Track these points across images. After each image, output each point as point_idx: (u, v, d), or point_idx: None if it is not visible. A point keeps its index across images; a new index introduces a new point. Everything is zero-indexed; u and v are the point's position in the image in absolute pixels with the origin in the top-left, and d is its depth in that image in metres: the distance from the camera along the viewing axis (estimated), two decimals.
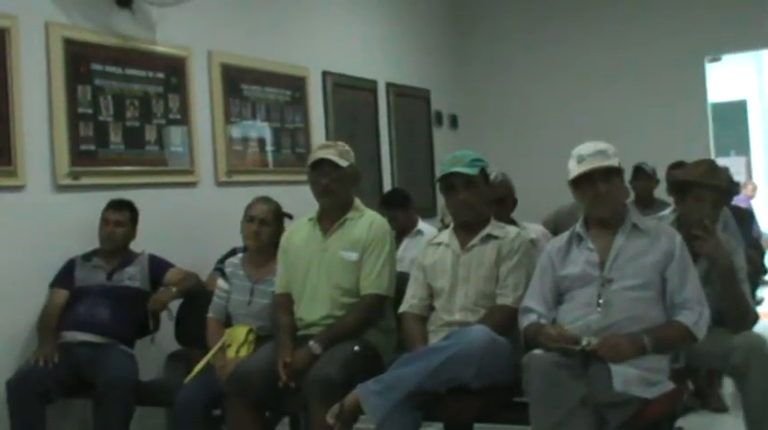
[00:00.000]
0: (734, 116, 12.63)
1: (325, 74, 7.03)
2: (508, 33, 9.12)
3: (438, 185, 3.97)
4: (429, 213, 7.44)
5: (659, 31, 8.51)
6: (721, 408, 5.19)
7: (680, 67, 8.42)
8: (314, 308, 4.06)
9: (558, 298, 3.54)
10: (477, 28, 9.23)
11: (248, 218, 4.49)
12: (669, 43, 8.44)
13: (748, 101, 13.02)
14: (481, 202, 3.90)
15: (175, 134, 5.56)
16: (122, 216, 4.74)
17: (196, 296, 4.78)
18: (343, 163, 4.10)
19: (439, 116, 8.81)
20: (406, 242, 5.68)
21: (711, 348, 3.58)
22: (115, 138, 5.14)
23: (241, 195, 4.92)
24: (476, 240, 3.85)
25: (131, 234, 4.81)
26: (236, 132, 6.06)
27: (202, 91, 5.80)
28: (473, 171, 3.83)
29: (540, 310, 3.51)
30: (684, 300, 3.38)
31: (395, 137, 7.99)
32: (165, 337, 4.87)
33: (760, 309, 6.20)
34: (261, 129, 6.32)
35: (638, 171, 6.63)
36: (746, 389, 3.65)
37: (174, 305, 4.86)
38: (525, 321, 3.52)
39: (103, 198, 4.81)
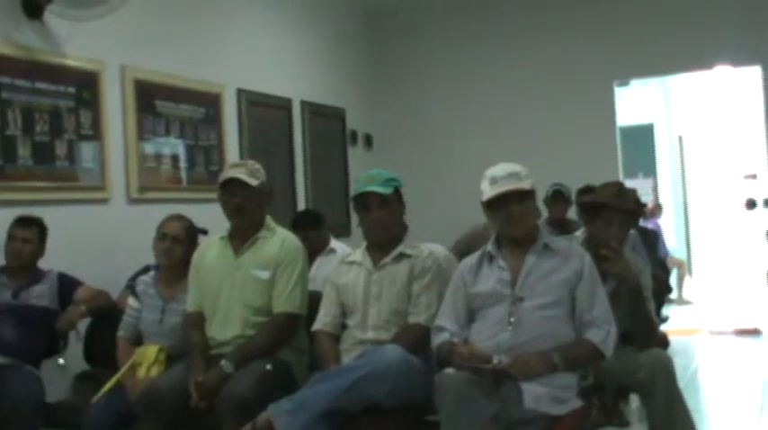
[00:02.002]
0: (642, 139, 12.93)
1: (239, 91, 7.00)
2: (423, 53, 9.20)
3: (352, 204, 3.98)
4: (343, 232, 7.45)
5: (570, 56, 8.69)
6: (623, 424, 5.29)
7: (590, 90, 8.61)
8: (226, 327, 4.03)
9: (470, 316, 3.57)
10: (392, 47, 9.30)
11: (160, 235, 4.44)
12: (580, 67, 8.63)
13: (655, 124, 13.35)
14: (395, 222, 3.92)
15: (87, 150, 5.47)
16: (30, 233, 4.63)
17: (106, 315, 4.70)
18: (254, 182, 4.08)
19: (354, 135, 8.84)
20: (319, 261, 5.68)
21: (619, 365, 3.66)
22: (24, 152, 5.03)
23: (154, 212, 4.86)
24: (388, 259, 3.87)
25: (39, 251, 4.70)
26: (149, 149, 5.99)
27: (115, 106, 5.72)
28: (387, 190, 3.85)
29: (451, 329, 3.54)
30: (593, 318, 3.45)
31: (309, 155, 7.98)
32: (73, 357, 4.76)
33: (665, 327, 6.38)
34: (174, 145, 6.26)
35: (556, 193, 6.76)
36: (651, 405, 3.74)
37: (84, 324, 4.77)
38: (437, 340, 3.55)
39: (11, 214, 4.70)
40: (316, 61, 8.29)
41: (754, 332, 8.67)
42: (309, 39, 8.22)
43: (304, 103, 7.95)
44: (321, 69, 8.37)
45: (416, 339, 3.65)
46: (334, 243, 5.98)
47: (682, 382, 3.99)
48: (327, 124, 8.36)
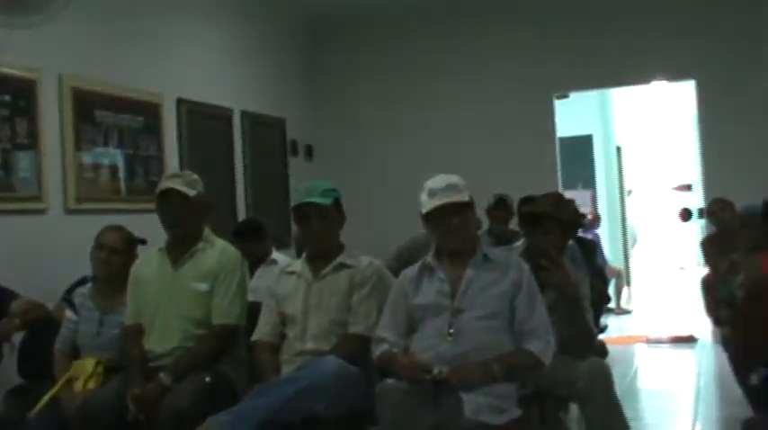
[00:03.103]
0: (581, 150, 13.10)
1: (180, 101, 6.96)
2: (363, 64, 9.25)
3: (292, 215, 3.97)
4: (284, 243, 7.43)
5: (510, 69, 8.82)
6: None
7: (530, 103, 8.74)
8: (165, 339, 3.98)
9: (410, 327, 3.58)
10: (332, 58, 9.32)
11: (98, 246, 4.38)
12: (520, 80, 8.76)
13: (594, 136, 13.53)
14: (334, 232, 3.92)
15: (23, 159, 5.38)
16: None
17: (43, 327, 4.61)
18: (191, 192, 4.05)
19: (294, 145, 8.82)
20: (260, 271, 5.65)
21: (558, 375, 3.69)
22: None
23: (92, 223, 4.78)
24: (328, 269, 3.87)
25: None
26: (87, 159, 5.92)
27: (52, 115, 5.64)
28: (327, 201, 3.85)
29: (392, 339, 3.54)
30: (532, 328, 3.47)
31: (250, 166, 7.95)
32: (6, 371, 4.67)
33: (603, 336, 6.46)
34: (113, 156, 6.19)
35: (500, 202, 6.80)
36: (590, 413, 3.78)
37: (19, 337, 4.67)
38: (377, 350, 3.55)
39: None
40: (257, 72, 8.27)
41: (690, 340, 8.82)
42: (251, 49, 8.20)
43: (245, 114, 7.92)
44: (262, 80, 8.35)
45: (356, 350, 3.64)
46: (276, 254, 5.96)
47: (620, 390, 4.05)
48: (268, 135, 8.34)
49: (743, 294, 4.48)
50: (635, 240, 21.94)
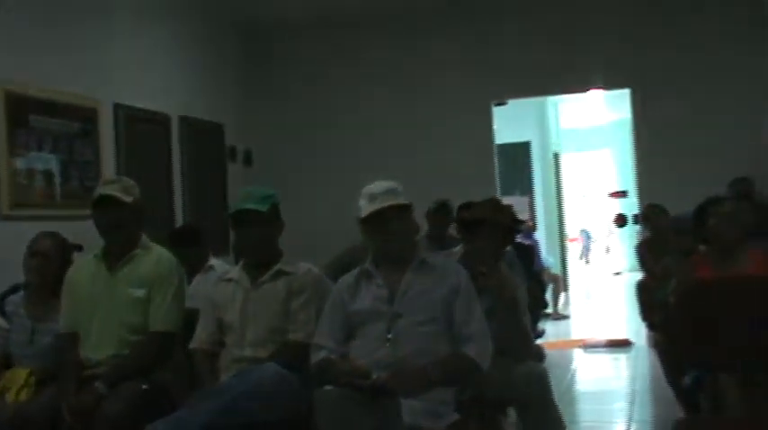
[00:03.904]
0: (519, 157, 13.23)
1: (116, 106, 6.88)
2: (301, 70, 9.23)
3: (230, 222, 3.95)
4: (223, 249, 7.37)
5: (449, 76, 8.88)
6: None
7: (468, 110, 8.81)
8: (100, 347, 3.93)
9: (349, 333, 3.58)
10: (271, 64, 9.29)
11: (31, 253, 4.31)
12: (458, 87, 8.83)
13: (532, 142, 13.66)
14: (272, 239, 3.91)
15: None
16: None
17: None
18: (128, 198, 4.01)
19: (233, 151, 8.77)
20: (197, 278, 5.60)
21: (496, 379, 3.72)
22: None
23: (26, 229, 4.72)
24: (266, 276, 3.85)
25: None
26: (21, 164, 5.82)
27: None
28: (264, 207, 3.83)
29: (330, 346, 3.53)
30: (470, 333, 3.49)
31: (188, 171, 7.89)
32: None
33: (541, 341, 6.52)
34: (48, 161, 6.10)
35: (441, 207, 6.82)
36: (527, 417, 3.82)
37: None
38: (316, 356, 3.54)
39: None
40: (195, 77, 8.21)
41: (625, 343, 8.94)
42: (189, 54, 8.15)
43: (183, 119, 7.86)
44: (201, 85, 8.29)
45: (295, 356, 3.63)
46: (214, 260, 5.91)
47: (557, 394, 4.09)
48: (206, 140, 8.29)
49: (674, 298, 4.55)
50: (589, 244, 22.24)
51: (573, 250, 20.54)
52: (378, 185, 3.57)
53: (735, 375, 4.05)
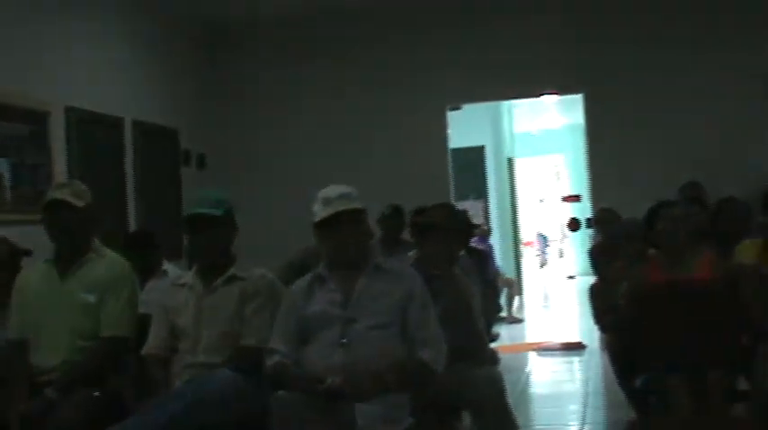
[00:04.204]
0: (473, 161, 13.28)
1: (68, 109, 6.80)
2: (256, 74, 9.20)
3: (183, 226, 3.93)
4: (176, 254, 7.32)
5: (404, 80, 8.90)
6: None
7: (423, 114, 8.84)
8: (51, 353, 3.88)
9: (303, 338, 3.57)
10: (225, 67, 9.25)
11: None
12: (413, 92, 8.85)
13: (486, 147, 13.73)
14: (226, 243, 3.89)
15: None
16: None
17: None
18: (80, 203, 3.97)
19: (187, 155, 8.72)
20: (151, 283, 5.56)
21: (450, 383, 3.74)
22: None
23: None
24: (220, 281, 3.83)
25: None
26: None
27: None
28: (218, 212, 3.81)
29: (284, 351, 3.52)
30: (424, 337, 3.50)
31: (141, 176, 7.83)
32: None
33: (495, 345, 6.56)
34: None
35: (394, 212, 6.83)
36: (482, 421, 3.85)
37: None
38: (270, 361, 3.53)
39: None
40: (149, 80, 8.15)
41: (579, 346, 9.01)
42: (143, 57, 8.08)
43: (136, 123, 7.80)
44: (154, 88, 8.23)
45: (249, 362, 3.61)
46: (167, 265, 5.87)
47: (511, 397, 4.13)
48: (160, 144, 8.23)
49: (624, 301, 4.61)
50: (546, 247, 22.41)
51: (528, 254, 20.70)
52: (332, 190, 3.57)
53: (684, 376, 4.11)
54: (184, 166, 8.66)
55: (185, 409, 3.33)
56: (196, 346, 3.74)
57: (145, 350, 3.88)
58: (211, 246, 3.83)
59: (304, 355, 3.52)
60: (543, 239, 22.53)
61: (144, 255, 5.62)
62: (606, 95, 8.65)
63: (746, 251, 4.66)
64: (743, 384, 4.38)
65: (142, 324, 4.00)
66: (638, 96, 8.51)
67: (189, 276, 3.96)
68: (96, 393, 3.72)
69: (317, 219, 3.55)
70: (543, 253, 22.50)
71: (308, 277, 3.68)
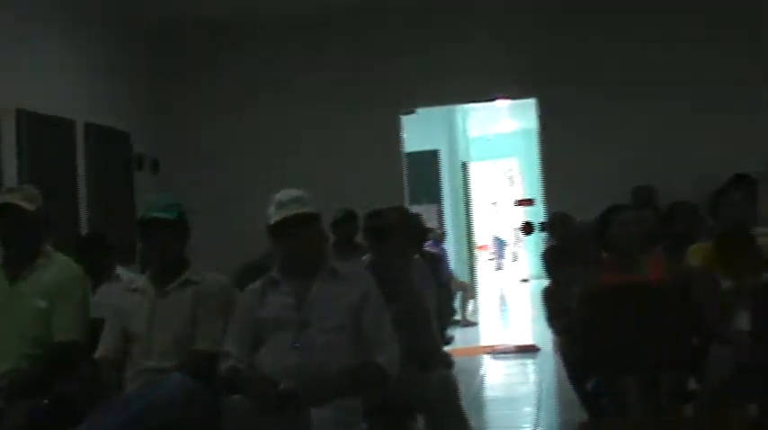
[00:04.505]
0: (427, 165, 13.31)
1: (19, 112, 6.71)
2: (210, 77, 9.15)
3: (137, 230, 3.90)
4: (129, 258, 7.25)
5: (358, 85, 8.90)
6: None
7: (376, 119, 8.85)
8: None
9: (256, 342, 3.56)
10: (179, 71, 9.18)
11: None
12: (367, 96, 8.86)
13: (440, 151, 13.76)
14: (179, 247, 3.87)
15: None
16: None
17: None
18: (30, 206, 3.92)
19: (140, 159, 8.64)
20: (103, 288, 5.49)
21: (404, 386, 3.74)
22: None
23: None
24: (173, 285, 3.81)
25: None
26: None
27: None
28: (171, 216, 3.79)
29: (237, 355, 3.51)
30: (378, 341, 3.51)
31: (93, 179, 7.74)
32: None
33: (449, 348, 6.58)
34: None
35: (347, 217, 6.82)
36: (435, 424, 3.86)
37: None
38: (223, 366, 3.52)
39: None
40: (101, 83, 8.07)
41: (532, 349, 9.07)
42: (95, 60, 8.00)
43: (88, 126, 7.72)
44: (107, 91, 8.15)
45: (202, 366, 3.59)
46: (120, 269, 5.81)
47: (465, 401, 4.15)
48: (112, 148, 8.15)
49: (578, 304, 4.65)
50: (502, 251, 22.51)
51: (482, 257, 20.78)
52: (285, 194, 3.57)
53: (636, 378, 4.16)
54: (138, 170, 8.58)
55: (137, 415, 3.30)
56: (149, 351, 3.72)
57: (98, 354, 3.84)
58: (165, 250, 3.81)
59: (258, 359, 3.51)
60: (500, 243, 22.62)
61: (96, 259, 5.55)
62: (559, 100, 8.72)
63: (696, 254, 4.72)
64: (692, 384, 4.44)
65: (94, 328, 3.96)
66: (590, 101, 8.60)
67: (142, 281, 3.94)
68: (45, 401, 3.66)
69: (270, 222, 3.55)
70: (500, 256, 22.59)
71: (261, 281, 3.67)
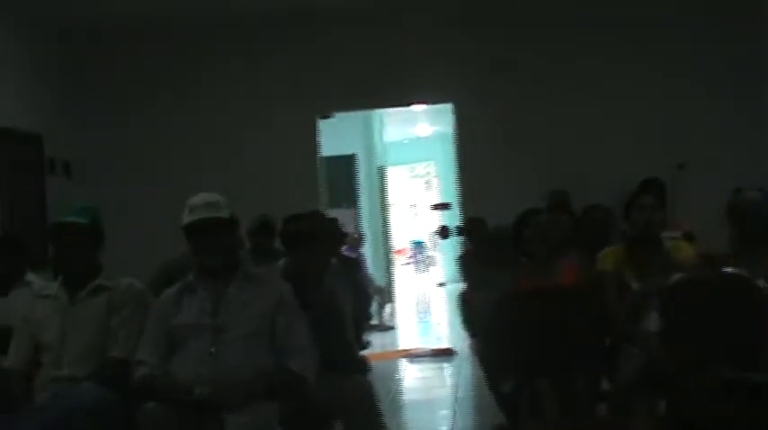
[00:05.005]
0: (344, 170, 13.32)
1: None
2: (125, 80, 9.00)
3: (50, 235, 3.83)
4: (40, 264, 7.08)
5: (275, 89, 8.86)
6: None
7: (294, 123, 8.81)
8: None
9: (171, 348, 3.52)
10: (93, 72, 9.01)
11: None
12: (284, 101, 8.82)
13: (358, 155, 13.79)
14: (92, 253, 3.80)
15: None
16: None
17: None
18: None
19: (52, 163, 8.45)
20: (13, 294, 5.35)
21: (321, 391, 3.73)
22: None
23: None
24: (86, 292, 3.75)
25: None
26: None
27: None
28: (85, 220, 3.73)
29: (152, 362, 3.47)
30: (294, 346, 3.50)
31: (3, 183, 7.54)
32: None
33: (366, 352, 6.58)
34: None
35: (263, 223, 6.76)
36: (353, 429, 3.85)
37: None
38: (137, 373, 3.47)
39: None
40: (10, 84, 7.86)
41: (449, 353, 9.12)
42: (5, 60, 7.79)
43: None
44: (18, 93, 7.94)
45: (116, 374, 3.54)
46: (31, 275, 5.67)
47: (383, 405, 4.15)
48: (22, 150, 7.95)
49: (493, 308, 4.69)
50: (422, 255, 22.60)
51: (400, 261, 20.86)
52: (199, 197, 3.55)
53: (551, 380, 4.21)
54: (50, 174, 8.38)
55: (49, 425, 3.23)
56: (61, 360, 3.64)
57: (6, 364, 3.75)
58: (77, 255, 3.74)
59: (173, 366, 3.46)
60: (419, 247, 22.71)
61: (7, 263, 5.41)
62: (475, 105, 8.80)
63: (608, 258, 4.82)
64: (606, 385, 4.51)
65: (2, 337, 3.86)
66: (506, 106, 8.69)
67: (54, 287, 3.86)
68: None
69: (182, 225, 3.51)
70: (419, 260, 22.68)
71: (177, 286, 3.63)
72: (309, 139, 9.01)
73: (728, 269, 4.16)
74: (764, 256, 4.08)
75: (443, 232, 11.58)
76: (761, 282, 3.94)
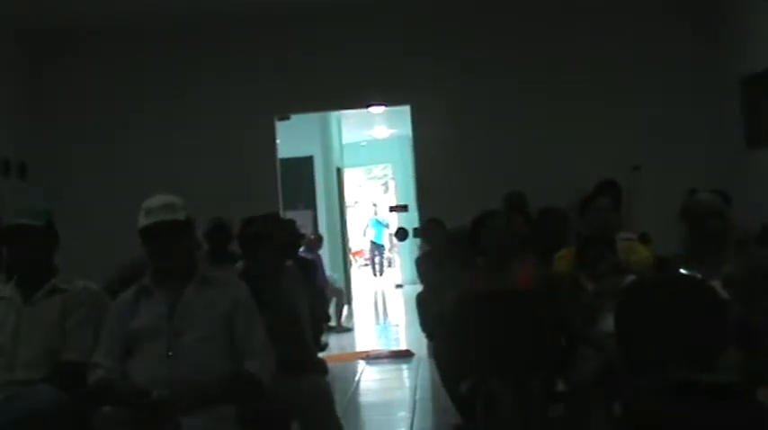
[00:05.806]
0: (302, 171, 13.32)
1: None
2: (82, 79, 8.93)
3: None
4: None
5: (232, 91, 8.83)
6: None
7: (251, 124, 8.80)
8: None
9: (128, 351, 3.49)
10: (49, 71, 8.93)
11: None
12: (241, 102, 8.80)
13: (315, 157, 13.78)
14: (47, 254, 3.76)
15: None
16: None
17: None
18: None
19: (6, 164, 8.35)
20: None
21: (278, 394, 3.73)
22: None
23: None
24: (40, 294, 3.71)
25: None
26: None
27: None
28: (39, 222, 3.70)
29: (108, 365, 3.44)
30: (251, 348, 3.48)
31: None
32: None
33: (324, 354, 6.59)
34: None
35: (218, 225, 6.74)
36: None
37: None
38: (93, 376, 3.43)
39: None
40: None
41: (407, 354, 9.15)
42: None
43: None
44: None
45: (71, 377, 3.50)
46: None
47: (341, 407, 4.17)
48: None
49: (450, 309, 4.72)
50: (380, 256, 22.57)
51: (357, 263, 20.88)
52: (155, 199, 3.52)
53: (507, 380, 4.25)
54: (4, 177, 8.27)
55: (3, 428, 3.19)
56: (14, 363, 3.60)
57: None
58: (32, 257, 3.70)
59: (129, 368, 3.44)
60: (378, 248, 22.70)
61: None
62: (432, 107, 8.84)
63: (563, 259, 4.87)
64: (562, 386, 4.56)
65: None
66: (463, 108, 8.73)
67: (7, 289, 3.81)
68: None
69: (138, 228, 3.49)
70: (378, 262, 22.66)
71: (133, 289, 3.60)
72: (267, 141, 9.00)
73: (683, 271, 4.22)
74: (718, 258, 4.14)
75: (401, 234, 11.60)
76: (715, 284, 3.99)
